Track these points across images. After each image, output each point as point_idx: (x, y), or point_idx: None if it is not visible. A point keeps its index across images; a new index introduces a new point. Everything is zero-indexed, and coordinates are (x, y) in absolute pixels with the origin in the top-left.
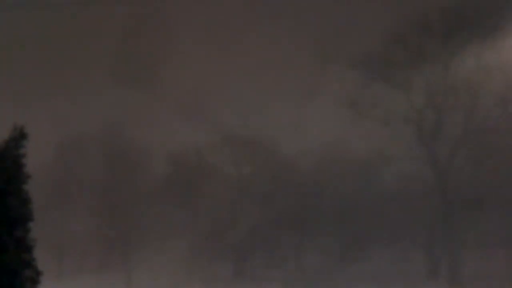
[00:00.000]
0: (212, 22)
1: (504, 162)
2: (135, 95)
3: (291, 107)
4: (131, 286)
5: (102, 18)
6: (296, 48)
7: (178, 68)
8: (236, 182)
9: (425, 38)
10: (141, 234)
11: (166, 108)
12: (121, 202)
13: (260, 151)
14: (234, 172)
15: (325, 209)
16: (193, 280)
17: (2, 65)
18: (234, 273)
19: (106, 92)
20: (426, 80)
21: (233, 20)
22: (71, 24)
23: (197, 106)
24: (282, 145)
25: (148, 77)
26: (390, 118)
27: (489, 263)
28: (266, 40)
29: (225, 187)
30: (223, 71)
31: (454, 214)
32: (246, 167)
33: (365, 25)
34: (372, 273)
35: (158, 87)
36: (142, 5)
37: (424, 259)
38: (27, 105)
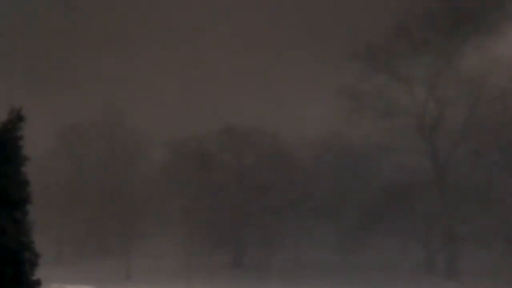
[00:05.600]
0: None
1: (504, 156)
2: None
3: (292, 97)
4: (130, 272)
5: None
6: (298, 38)
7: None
8: (235, 171)
9: (429, 30)
10: (141, 221)
11: (167, 95)
12: (121, 188)
13: (260, 140)
14: (234, 161)
15: (324, 200)
16: (193, 268)
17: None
18: (232, 262)
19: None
20: (429, 73)
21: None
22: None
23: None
24: (282, 135)
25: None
26: (391, 110)
27: (486, 256)
28: (266, 29)
29: (225, 176)
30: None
31: (452, 207)
32: (246, 156)
33: (369, 17)
34: (369, 264)
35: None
36: None
37: (422, 252)
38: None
